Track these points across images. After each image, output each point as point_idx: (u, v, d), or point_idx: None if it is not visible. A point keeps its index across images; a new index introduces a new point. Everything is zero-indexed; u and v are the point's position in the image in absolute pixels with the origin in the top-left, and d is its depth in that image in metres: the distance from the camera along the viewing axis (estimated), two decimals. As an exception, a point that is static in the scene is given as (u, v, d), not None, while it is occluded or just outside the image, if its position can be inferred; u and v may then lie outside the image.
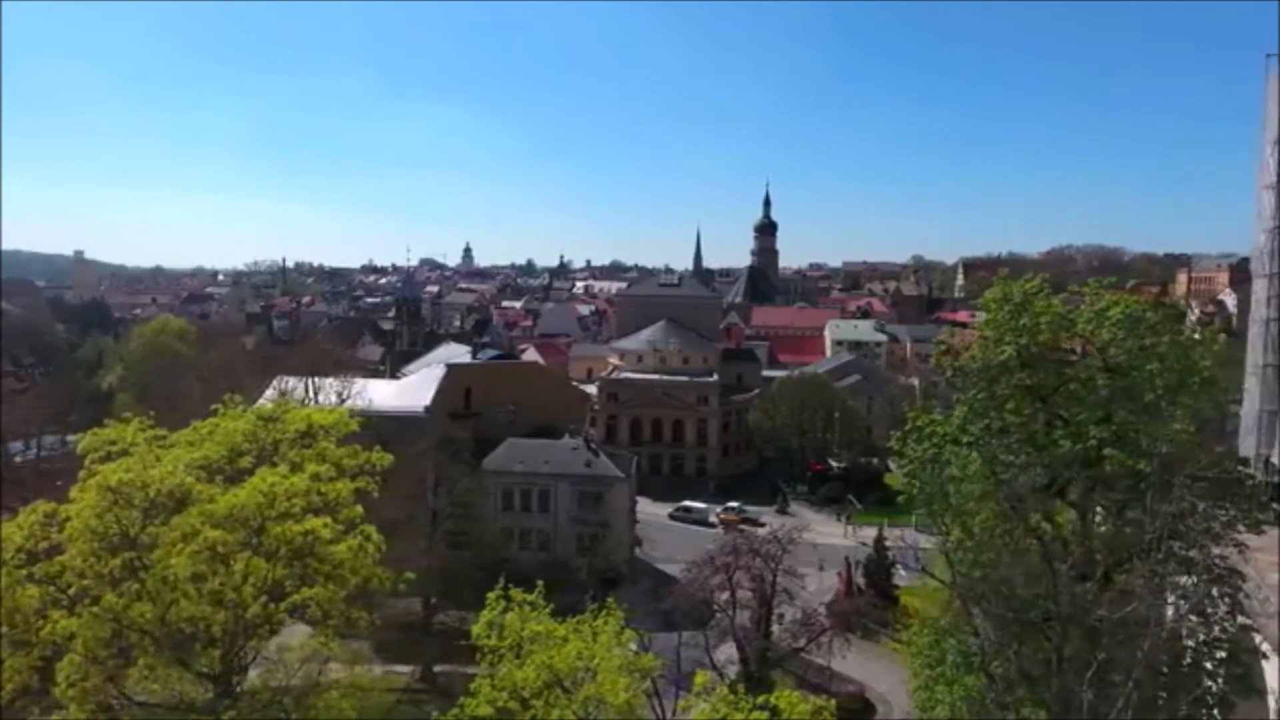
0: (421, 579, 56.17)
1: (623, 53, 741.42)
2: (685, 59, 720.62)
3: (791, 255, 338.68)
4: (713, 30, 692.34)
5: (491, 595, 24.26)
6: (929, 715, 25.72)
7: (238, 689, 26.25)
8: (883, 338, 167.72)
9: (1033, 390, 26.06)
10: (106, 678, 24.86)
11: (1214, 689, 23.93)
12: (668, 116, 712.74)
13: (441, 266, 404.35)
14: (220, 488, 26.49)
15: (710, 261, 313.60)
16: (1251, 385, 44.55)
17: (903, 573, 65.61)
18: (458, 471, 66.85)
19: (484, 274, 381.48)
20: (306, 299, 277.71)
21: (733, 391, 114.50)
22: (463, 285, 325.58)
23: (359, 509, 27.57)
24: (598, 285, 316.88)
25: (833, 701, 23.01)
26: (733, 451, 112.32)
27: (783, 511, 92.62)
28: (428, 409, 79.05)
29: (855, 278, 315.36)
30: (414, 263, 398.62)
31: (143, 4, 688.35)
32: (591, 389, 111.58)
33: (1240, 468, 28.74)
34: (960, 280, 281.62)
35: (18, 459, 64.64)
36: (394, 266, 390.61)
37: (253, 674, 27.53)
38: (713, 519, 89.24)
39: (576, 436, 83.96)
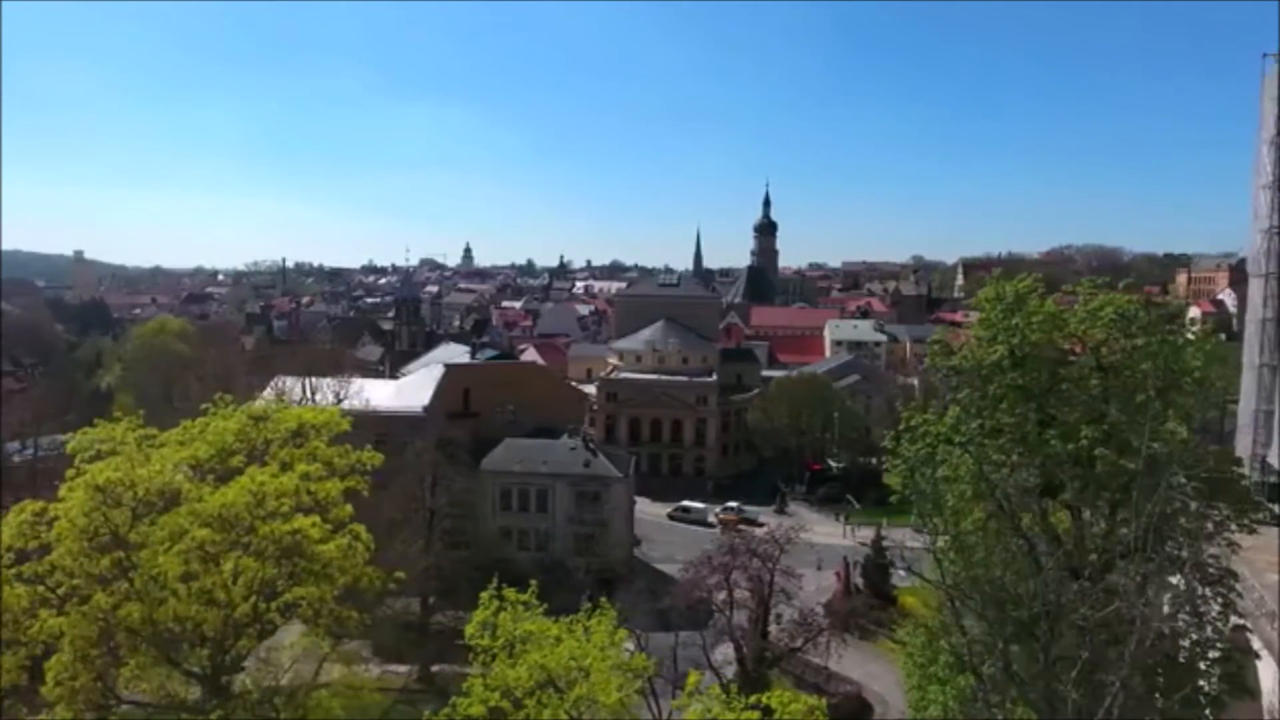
0: (419, 579, 56.39)
1: (623, 53, 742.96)
2: (685, 59, 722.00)
3: (791, 255, 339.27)
4: (713, 30, 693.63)
5: (485, 595, 24.28)
6: (922, 715, 25.73)
7: (227, 688, 26.20)
8: (882, 338, 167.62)
9: (1025, 390, 26.05)
10: (95, 677, 24.82)
11: (1207, 689, 23.93)
12: (668, 116, 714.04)
13: (441, 267, 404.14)
14: (211, 487, 26.49)
15: (710, 261, 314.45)
16: (1248, 385, 44.54)
17: (901, 573, 65.59)
18: (455, 471, 66.83)
19: (484, 274, 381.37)
20: (306, 299, 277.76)
21: (732, 391, 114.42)
22: (462, 285, 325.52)
23: (349, 508, 27.52)
24: (597, 285, 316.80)
25: (824, 701, 22.96)
26: (732, 451, 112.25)
27: (781, 511, 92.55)
28: (426, 409, 79.16)
29: (855, 278, 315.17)
30: (414, 263, 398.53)
31: (143, 4, 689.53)
32: (591, 389, 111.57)
33: (1234, 468, 28.65)
34: (960, 280, 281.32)
35: (15, 459, 64.65)
36: (394, 267, 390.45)
37: (244, 674, 27.51)
38: (711, 519, 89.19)
39: (575, 436, 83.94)
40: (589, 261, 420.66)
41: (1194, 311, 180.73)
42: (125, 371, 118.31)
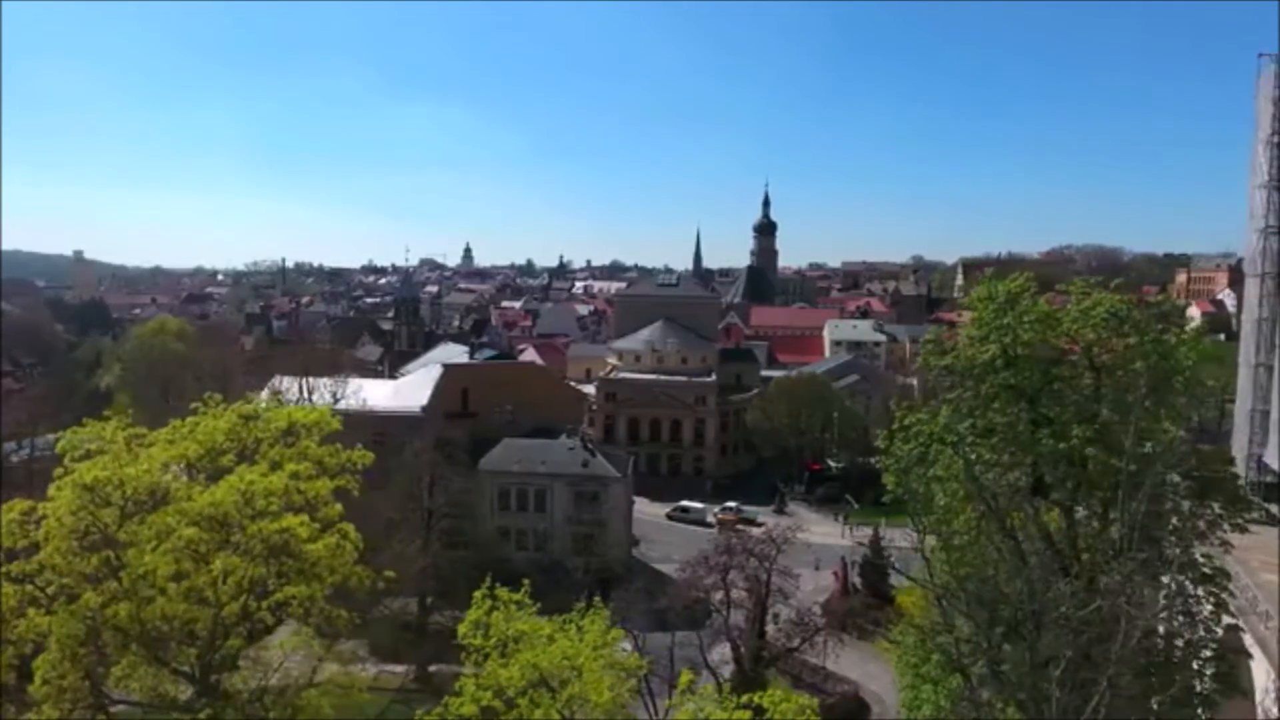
0: (417, 579, 56.46)
1: (623, 53, 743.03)
2: (685, 59, 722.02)
3: (791, 255, 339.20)
4: (713, 30, 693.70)
5: (478, 594, 24.30)
6: (915, 715, 25.75)
7: (217, 688, 26.20)
8: (882, 338, 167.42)
9: (1017, 389, 26.06)
10: (84, 676, 24.83)
11: (1199, 688, 23.94)
12: (668, 116, 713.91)
13: (441, 267, 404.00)
14: (201, 485, 26.50)
15: (710, 262, 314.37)
16: (1244, 384, 44.57)
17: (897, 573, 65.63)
18: (454, 471, 66.90)
19: (484, 274, 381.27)
20: (306, 299, 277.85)
21: (731, 391, 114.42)
22: (462, 285, 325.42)
23: (338, 507, 27.53)
24: (597, 285, 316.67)
25: (818, 700, 22.99)
26: (731, 451, 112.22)
27: (780, 511, 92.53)
28: (424, 409, 79.27)
29: (854, 278, 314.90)
30: (413, 263, 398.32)
31: (143, 4, 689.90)
32: (590, 389, 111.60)
33: (1228, 468, 28.67)
34: (960, 280, 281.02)
35: (13, 458, 64.72)
36: (393, 267, 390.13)
37: (233, 673, 27.49)
38: (710, 519, 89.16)
39: (573, 436, 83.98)
40: (589, 261, 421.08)
41: (1193, 311, 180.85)
42: (124, 371, 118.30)
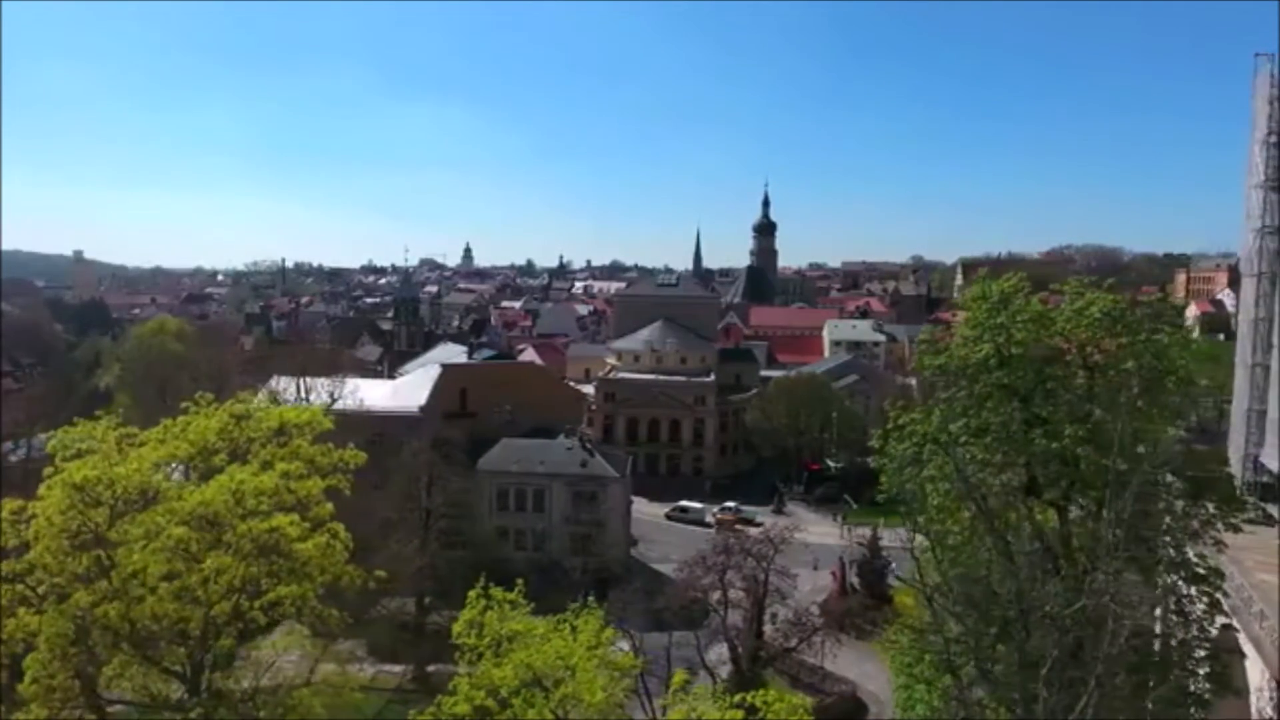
0: (415, 579, 56.52)
1: (623, 53, 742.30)
2: (685, 59, 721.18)
3: (790, 255, 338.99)
4: (713, 30, 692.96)
5: (472, 594, 24.32)
6: (909, 715, 25.78)
7: (207, 687, 26.21)
8: (881, 338, 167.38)
9: (1011, 389, 26.10)
10: (73, 675, 24.83)
11: (1192, 688, 23.97)
12: (668, 116, 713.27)
13: (441, 267, 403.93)
14: (193, 485, 26.53)
15: (710, 262, 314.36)
16: (1241, 384, 44.58)
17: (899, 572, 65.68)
18: (452, 471, 66.95)
19: (483, 274, 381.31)
20: (306, 299, 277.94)
21: (730, 391, 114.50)
22: (462, 285, 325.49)
23: (329, 506, 27.56)
24: (597, 285, 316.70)
25: (813, 700, 23.03)
26: (730, 451, 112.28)
27: (779, 511, 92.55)
28: (423, 409, 79.39)
29: (854, 278, 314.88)
30: (413, 263, 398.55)
31: (143, 4, 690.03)
32: (589, 389, 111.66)
33: (1223, 468, 28.71)
34: (959, 280, 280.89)
35: (12, 458, 64.70)
36: (393, 267, 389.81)
37: (223, 672, 27.51)
38: (709, 519, 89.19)
39: (572, 436, 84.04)
40: (589, 262, 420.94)
41: (1193, 311, 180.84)
42: (123, 372, 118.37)
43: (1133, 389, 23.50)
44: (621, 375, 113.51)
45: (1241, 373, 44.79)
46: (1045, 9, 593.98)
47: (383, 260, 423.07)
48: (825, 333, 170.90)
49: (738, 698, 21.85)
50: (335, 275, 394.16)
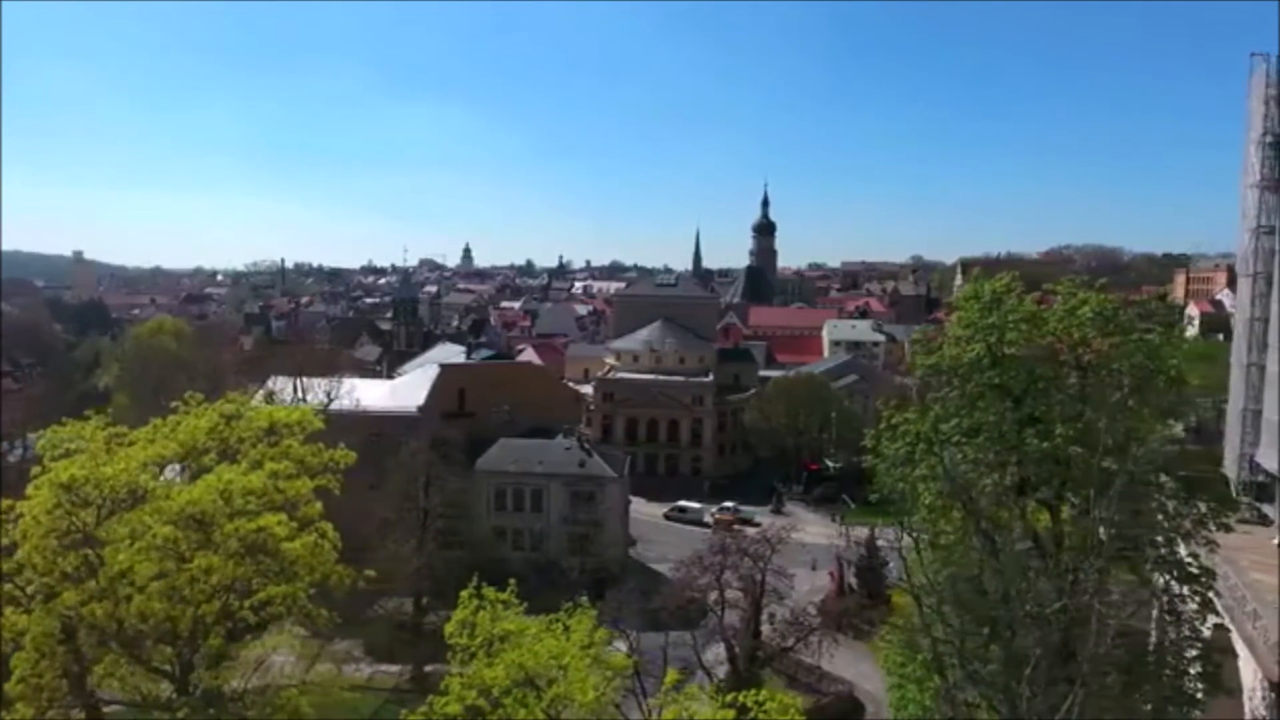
0: (412, 579, 56.56)
1: (623, 53, 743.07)
2: (685, 59, 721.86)
3: (790, 255, 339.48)
4: (713, 30, 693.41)
5: (464, 594, 24.34)
6: (901, 715, 25.78)
7: (196, 687, 26.20)
8: (880, 338, 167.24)
9: (1003, 389, 26.10)
10: (61, 674, 24.83)
11: (1183, 687, 23.96)
12: (668, 116, 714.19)
13: (441, 267, 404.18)
14: (184, 484, 26.53)
15: (709, 262, 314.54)
16: (1237, 384, 44.57)
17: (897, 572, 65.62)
18: (450, 471, 66.94)
19: (483, 274, 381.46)
20: (305, 299, 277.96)
21: (729, 391, 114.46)
22: (461, 286, 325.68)
23: (318, 506, 27.56)
24: (597, 285, 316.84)
25: (803, 699, 23.02)
26: (728, 451, 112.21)
27: (778, 511, 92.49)
28: (421, 409, 79.37)
29: (854, 278, 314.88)
30: (412, 263, 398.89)
31: (143, 4, 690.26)
32: (588, 389, 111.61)
33: (1216, 468, 28.74)
34: (959, 280, 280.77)
35: (10, 458, 64.82)
36: (393, 267, 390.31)
37: (212, 671, 27.48)
38: (708, 519, 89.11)
39: (570, 436, 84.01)
40: (588, 262, 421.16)
41: (1192, 311, 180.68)
42: (122, 372, 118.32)
43: (1124, 388, 23.47)
44: (620, 375, 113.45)
45: (1237, 373, 44.79)
46: (1045, 9, 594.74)
47: (382, 260, 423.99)
48: (824, 333, 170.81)
49: (729, 697, 21.83)
50: (335, 275, 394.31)
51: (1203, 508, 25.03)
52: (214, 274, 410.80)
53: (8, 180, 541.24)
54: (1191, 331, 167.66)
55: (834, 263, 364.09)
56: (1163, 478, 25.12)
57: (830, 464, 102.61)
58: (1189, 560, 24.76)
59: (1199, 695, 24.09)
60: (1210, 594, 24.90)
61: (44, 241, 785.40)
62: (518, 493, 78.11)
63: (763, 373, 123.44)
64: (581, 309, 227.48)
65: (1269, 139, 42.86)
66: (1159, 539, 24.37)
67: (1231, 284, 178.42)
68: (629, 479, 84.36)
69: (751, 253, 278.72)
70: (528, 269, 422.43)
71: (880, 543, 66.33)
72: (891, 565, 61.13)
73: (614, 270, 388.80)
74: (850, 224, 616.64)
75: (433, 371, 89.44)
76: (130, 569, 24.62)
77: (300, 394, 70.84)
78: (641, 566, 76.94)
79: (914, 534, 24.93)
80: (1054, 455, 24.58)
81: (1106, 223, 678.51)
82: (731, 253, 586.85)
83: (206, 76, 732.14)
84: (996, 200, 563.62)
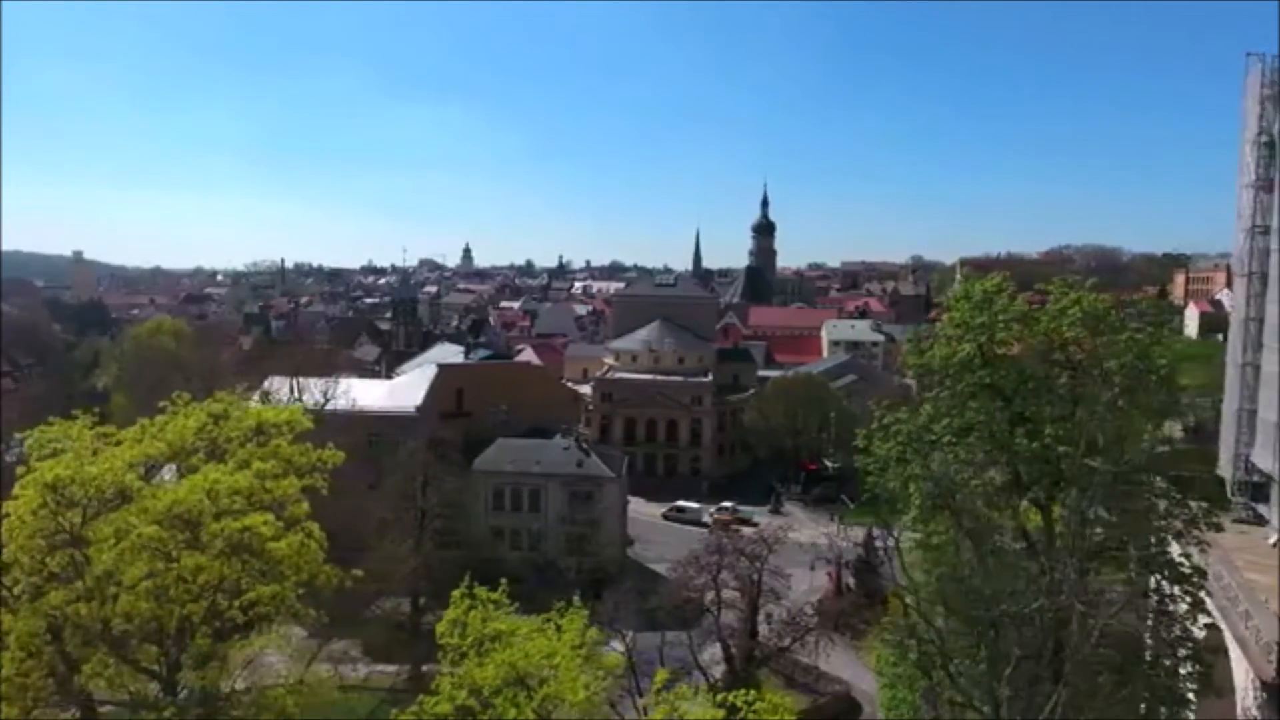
0: (410, 579, 56.53)
1: (623, 53, 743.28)
2: (685, 59, 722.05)
3: (790, 255, 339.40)
4: (713, 30, 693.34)
5: (456, 593, 24.34)
6: (893, 715, 25.80)
7: (184, 686, 26.18)
8: (880, 338, 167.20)
9: (994, 388, 26.11)
10: (47, 674, 24.85)
11: (1174, 687, 23.96)
12: (668, 116, 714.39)
13: (440, 267, 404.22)
14: (172, 483, 26.52)
15: (709, 262, 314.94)
16: (1232, 384, 44.54)
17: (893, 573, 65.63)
18: (448, 471, 66.90)
19: (483, 274, 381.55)
20: (305, 299, 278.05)
21: (728, 391, 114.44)
22: (461, 286, 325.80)
23: (304, 506, 27.56)
24: (596, 286, 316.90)
25: (789, 699, 23.01)
26: (727, 452, 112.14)
27: (776, 511, 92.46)
28: (419, 409, 79.33)
29: (853, 278, 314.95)
30: (412, 263, 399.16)
31: (143, 4, 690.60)
32: (587, 389, 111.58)
33: (1210, 469, 28.74)
34: (959, 280, 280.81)
35: (9, 458, 64.78)
36: (393, 267, 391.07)
37: (198, 671, 27.48)
38: (706, 519, 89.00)
39: (568, 436, 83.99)
40: (588, 262, 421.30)
41: (1191, 311, 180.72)
42: (121, 372, 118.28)
43: (1114, 388, 23.48)
44: (619, 375, 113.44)
45: (1233, 372, 44.74)
46: (1045, 9, 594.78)
47: (382, 260, 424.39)
48: (824, 333, 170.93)
49: (720, 697, 21.84)
50: (334, 275, 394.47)
51: (1194, 508, 25.05)
52: (214, 274, 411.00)
53: (8, 180, 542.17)
54: (1191, 331, 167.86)
55: (834, 263, 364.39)
56: (1154, 477, 25.13)
57: (829, 464, 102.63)
58: (1180, 560, 24.76)
59: (1190, 695, 24.10)
60: (1202, 594, 24.91)
61: (44, 241, 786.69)
62: (515, 493, 78.09)
63: (762, 373, 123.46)
64: (581, 309, 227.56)
65: (1264, 139, 42.86)
66: (1150, 539, 24.36)
67: (1230, 284, 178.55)
68: (627, 479, 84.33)
69: (751, 253, 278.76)
70: (527, 269, 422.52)
71: (878, 543, 66.38)
72: (889, 565, 61.21)
73: (614, 270, 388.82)
74: (850, 224, 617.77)
75: (431, 371, 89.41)
76: (116, 569, 24.63)
77: (296, 394, 70.78)
78: (640, 566, 76.86)
79: (898, 535, 24.94)
80: (1044, 455, 24.60)
81: (1106, 223, 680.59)
82: (731, 253, 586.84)
83: (206, 76, 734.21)
84: (996, 200, 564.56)
